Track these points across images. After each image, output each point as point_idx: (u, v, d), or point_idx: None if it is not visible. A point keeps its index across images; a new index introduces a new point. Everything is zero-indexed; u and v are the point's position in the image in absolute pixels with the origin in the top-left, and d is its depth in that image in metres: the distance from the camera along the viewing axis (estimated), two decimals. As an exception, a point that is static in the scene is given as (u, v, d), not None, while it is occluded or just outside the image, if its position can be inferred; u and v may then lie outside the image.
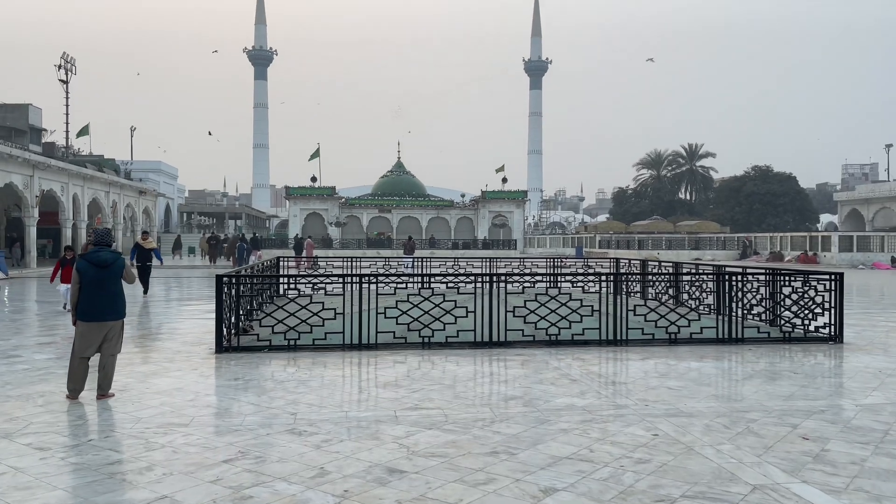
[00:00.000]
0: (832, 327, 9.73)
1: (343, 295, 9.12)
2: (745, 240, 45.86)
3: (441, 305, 9.19)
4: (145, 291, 16.83)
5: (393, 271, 16.92)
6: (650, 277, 13.58)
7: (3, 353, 8.65)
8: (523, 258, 21.20)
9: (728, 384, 6.97)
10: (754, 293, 10.45)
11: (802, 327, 9.93)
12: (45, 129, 48.30)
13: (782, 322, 9.91)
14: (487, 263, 18.84)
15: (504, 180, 60.72)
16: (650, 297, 12.48)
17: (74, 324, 6.27)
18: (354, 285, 9.22)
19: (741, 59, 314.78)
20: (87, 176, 35.68)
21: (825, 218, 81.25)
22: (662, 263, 15.49)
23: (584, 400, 6.23)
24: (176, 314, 13.51)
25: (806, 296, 10.01)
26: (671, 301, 12.18)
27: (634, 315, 9.43)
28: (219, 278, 8.76)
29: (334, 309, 8.93)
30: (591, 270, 17.85)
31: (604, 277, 10.57)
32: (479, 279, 9.70)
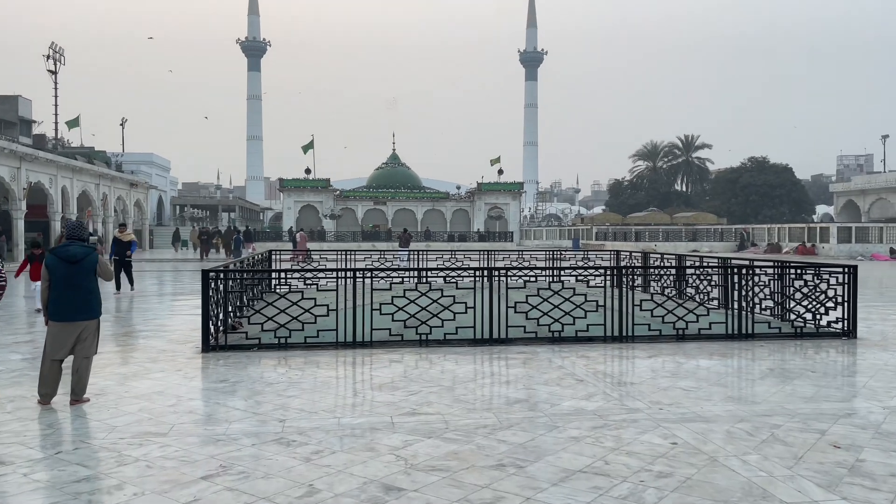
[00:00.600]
0: (845, 322, 9.36)
1: (336, 290, 8.69)
2: (742, 231, 45.59)
3: (439, 301, 8.78)
4: (131, 286, 16.05)
5: (388, 265, 16.50)
6: (657, 271, 13.17)
7: (-23, 353, 8.21)
8: (521, 251, 20.80)
9: (744, 384, 6.58)
10: (762, 287, 10.07)
11: (814, 322, 9.56)
12: (35, 121, 47.65)
13: (794, 317, 9.53)
14: (485, 256, 18.44)
15: (500, 172, 60.24)
16: (655, 291, 12.08)
17: (47, 324, 5.84)
18: (348, 280, 8.80)
19: (736, 50, 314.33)
20: (76, 168, 35.08)
21: (821, 209, 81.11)
22: (665, 256, 15.10)
23: (593, 403, 5.83)
24: (164, 310, 13.07)
25: (817, 289, 9.63)
26: (675, 295, 11.80)
27: (641, 310, 9.04)
28: (205, 273, 8.33)
29: (327, 305, 8.51)
30: (592, 263, 17.48)
31: (608, 271, 10.17)
32: (478, 273, 9.29)
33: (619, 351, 8.46)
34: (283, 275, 10.28)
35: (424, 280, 9.27)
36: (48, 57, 46.22)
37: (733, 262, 11.71)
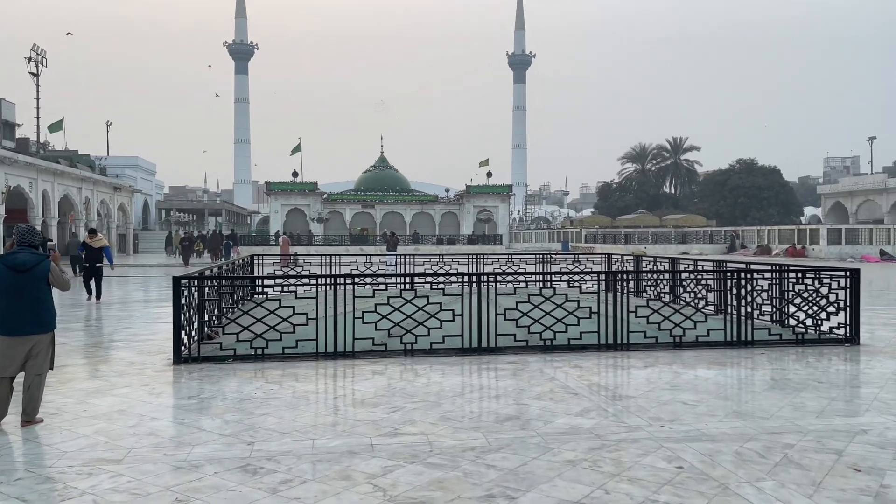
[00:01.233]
0: (848, 328, 9.01)
1: (316, 298, 8.23)
2: (732, 233, 45.46)
3: (425, 308, 8.35)
4: (97, 296, 14.73)
5: (372, 271, 16.04)
6: (653, 275, 12.78)
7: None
8: (510, 254, 20.38)
9: (748, 397, 6.18)
10: (760, 291, 9.70)
11: (815, 328, 9.20)
12: (19, 124, 46.78)
13: (796, 323, 9.16)
14: (474, 260, 18.01)
15: (489, 174, 59.90)
16: (650, 296, 11.69)
17: (-4, 338, 5.35)
18: (329, 287, 8.35)
19: (724, 52, 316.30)
20: (57, 171, 34.39)
21: (809, 211, 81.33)
22: (658, 259, 14.74)
23: (589, 420, 5.41)
24: (140, 318, 12.54)
25: (818, 293, 9.29)
26: (671, 300, 11.43)
27: (636, 317, 8.64)
28: (176, 280, 7.86)
29: (306, 314, 8.05)
30: (584, 268, 17.07)
31: (603, 276, 9.77)
32: (466, 279, 8.86)
33: (613, 360, 8.06)
34: (259, 281, 9.81)
35: (410, 286, 8.84)
36: (30, 59, 45.45)
37: (730, 265, 11.36)
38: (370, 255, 18.25)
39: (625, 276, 10.60)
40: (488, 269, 17.23)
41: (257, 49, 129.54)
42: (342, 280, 8.47)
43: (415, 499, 3.80)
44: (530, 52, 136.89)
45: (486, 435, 5.00)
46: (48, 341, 5.42)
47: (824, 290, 9.27)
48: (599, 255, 18.55)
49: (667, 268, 14.03)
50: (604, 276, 9.62)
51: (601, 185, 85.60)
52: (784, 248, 39.47)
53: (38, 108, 46.53)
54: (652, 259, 15.06)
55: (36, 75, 45.64)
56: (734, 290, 9.28)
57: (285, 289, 9.59)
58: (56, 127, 48.30)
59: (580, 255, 21.09)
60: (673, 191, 79.72)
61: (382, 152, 66.24)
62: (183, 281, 7.90)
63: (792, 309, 9.58)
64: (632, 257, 16.19)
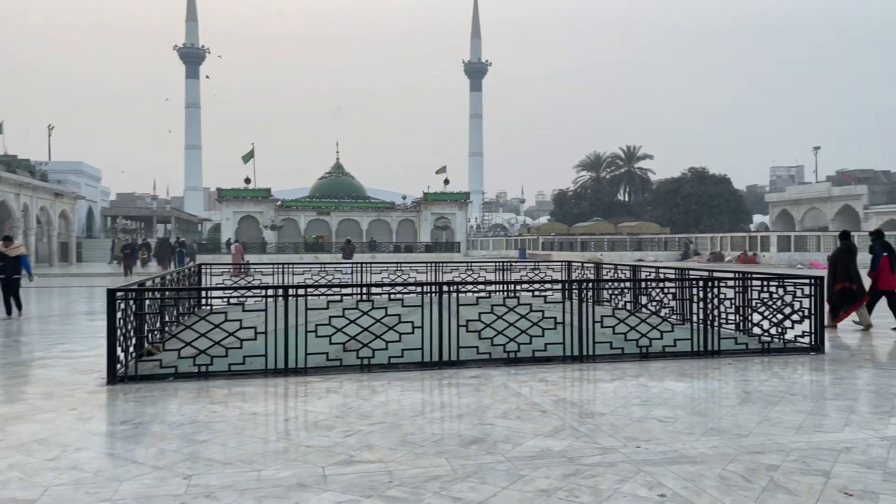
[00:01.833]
0: (812, 336, 8.89)
1: (265, 310, 7.70)
2: (687, 240, 46.11)
3: (382, 321, 7.89)
4: (19, 311, 13.28)
5: (327, 280, 15.46)
6: (621, 284, 12.53)
7: None
8: (469, 262, 20.06)
9: (723, 412, 5.91)
10: (724, 300, 9.53)
11: (780, 337, 9.07)
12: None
13: (762, 332, 9.01)
14: (433, 268, 17.59)
15: (446, 182, 59.65)
16: (616, 305, 11.45)
17: None
18: (279, 299, 7.82)
19: (675, 62, 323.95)
20: (-7, 177, 32.73)
21: (757, 218, 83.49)
22: (619, 267, 14.58)
23: (561, 441, 5.04)
24: (76, 332, 11.72)
25: (782, 301, 9.16)
26: (633, 308, 11.21)
27: (602, 327, 8.35)
28: (111, 292, 7.22)
29: (254, 328, 7.51)
30: (545, 276, 16.82)
31: (574, 285, 9.46)
32: (427, 288, 8.44)
33: (580, 372, 7.74)
34: (206, 293, 9.21)
35: (366, 297, 8.37)
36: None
37: (692, 273, 11.21)
38: (325, 263, 17.67)
39: (593, 285, 10.29)
40: (448, 277, 16.84)
41: (209, 53, 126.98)
42: (293, 291, 7.96)
43: (373, 542, 3.35)
44: (486, 61, 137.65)
45: (451, 461, 4.58)
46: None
47: (788, 298, 9.15)
48: (559, 263, 18.34)
49: (628, 275, 13.87)
50: (575, 285, 9.29)
51: (557, 192, 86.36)
52: (736, 254, 40.18)
53: (-26, 110, 44.29)
54: (612, 266, 14.89)
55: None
56: (700, 299, 9.08)
57: (233, 300, 8.97)
58: (-7, 131, 46.11)
59: (539, 263, 20.88)
60: (627, 198, 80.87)
61: (338, 159, 65.43)
62: (119, 293, 7.27)
63: (756, 317, 9.43)
64: (592, 265, 16.01)
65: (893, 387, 6.83)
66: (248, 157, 56.61)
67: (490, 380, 7.28)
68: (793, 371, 7.72)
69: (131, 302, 7.64)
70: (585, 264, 16.49)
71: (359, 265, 18.06)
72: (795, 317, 9.07)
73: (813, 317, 8.91)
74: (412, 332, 7.90)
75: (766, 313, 9.14)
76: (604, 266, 15.68)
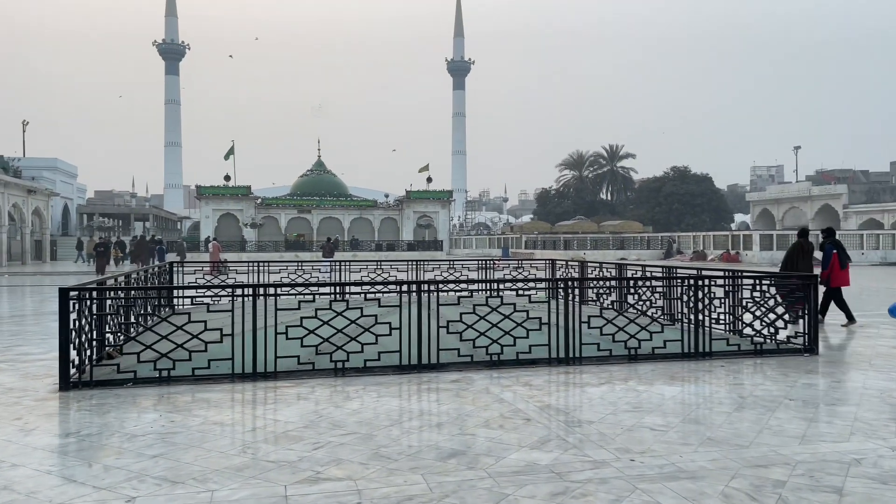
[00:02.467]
0: (806, 336, 8.58)
1: (232, 311, 7.22)
2: (670, 239, 46.05)
3: (358, 322, 7.44)
4: None
5: (304, 279, 14.95)
6: (608, 283, 12.13)
7: None
8: (452, 260, 19.66)
9: (720, 419, 5.53)
10: (713, 299, 9.19)
11: (771, 337, 8.74)
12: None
13: (754, 332, 8.67)
14: (414, 267, 17.15)
15: (429, 180, 59.22)
16: (601, 305, 11.07)
17: None
18: (248, 299, 7.35)
19: (657, 61, 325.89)
20: (-39, 172, 31.73)
21: (738, 217, 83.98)
22: (604, 265, 14.23)
23: (548, 453, 4.63)
24: (34, 333, 11.12)
25: (775, 301, 8.84)
26: (619, 308, 10.85)
27: (589, 327, 7.96)
28: (63, 291, 6.71)
29: (220, 329, 7.02)
30: (528, 274, 16.43)
31: (561, 284, 9.05)
32: (406, 287, 8.00)
33: (566, 376, 7.35)
34: (176, 292, 8.70)
35: (341, 296, 7.92)
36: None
37: (681, 272, 10.87)
38: (303, 262, 17.16)
39: (580, 284, 9.91)
40: (429, 276, 16.41)
41: (189, 49, 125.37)
42: (262, 290, 7.48)
43: (335, 580, 2.92)
44: (469, 59, 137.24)
45: (428, 478, 4.16)
46: None
47: (781, 298, 8.83)
48: (543, 262, 17.97)
49: (614, 274, 13.52)
50: (561, 283, 8.89)
51: (540, 191, 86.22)
52: (719, 253, 40.13)
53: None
54: (598, 265, 14.54)
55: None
56: (690, 298, 8.73)
57: (198, 301, 8.48)
58: (-35, 125, 45.10)
59: (523, 261, 20.50)
60: (610, 197, 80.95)
61: (320, 156, 64.71)
62: (72, 292, 6.75)
63: (748, 317, 9.11)
64: (577, 263, 15.65)
65: (893, 390, 6.51)
66: (229, 153, 55.82)
67: (471, 384, 6.87)
68: (788, 374, 7.38)
69: (89, 302, 7.11)
70: (570, 263, 16.13)
71: (338, 263, 17.57)
72: (788, 316, 8.74)
73: (807, 316, 8.60)
74: (389, 334, 7.46)
75: (758, 313, 8.80)
76: (588, 264, 15.32)
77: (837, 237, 11.77)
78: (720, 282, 9.44)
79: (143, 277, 11.09)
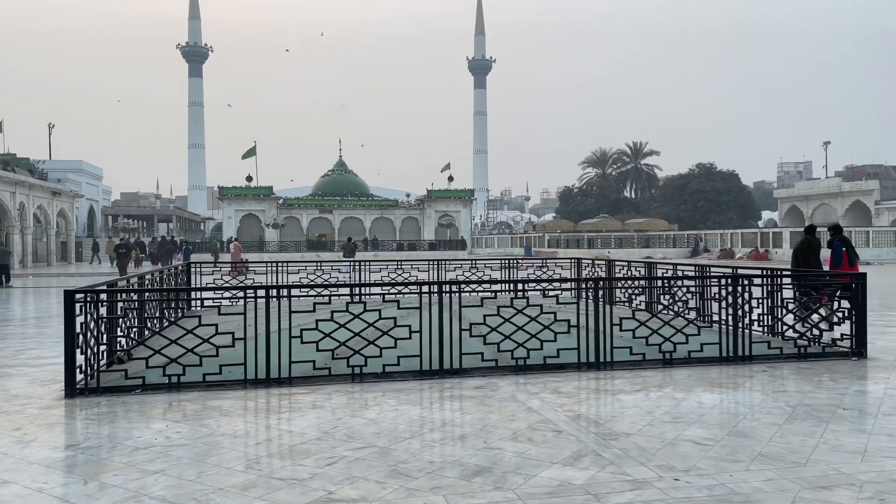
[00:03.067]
0: (853, 339, 8.04)
1: (245, 314, 6.88)
2: (696, 237, 45.19)
3: (376, 324, 7.07)
4: None
5: (323, 280, 14.63)
6: (639, 283, 11.58)
7: None
8: (474, 260, 19.25)
9: (769, 432, 5.06)
10: (750, 299, 8.67)
11: (816, 340, 8.21)
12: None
13: (797, 334, 8.14)
14: (435, 266, 16.77)
15: (450, 179, 58.84)
16: (632, 306, 10.58)
17: None
18: (261, 300, 7.01)
19: (681, 57, 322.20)
20: (-14, 175, 32.04)
21: (766, 215, 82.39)
22: (633, 264, 13.72)
23: (582, 471, 4.21)
24: (50, 336, 10.91)
25: (819, 302, 8.30)
26: (650, 310, 10.35)
27: (620, 330, 7.51)
28: (68, 294, 6.42)
29: (232, 333, 6.69)
30: (553, 274, 15.95)
31: (591, 284, 8.60)
32: (427, 288, 7.60)
33: (596, 382, 6.91)
34: (195, 294, 8.40)
35: (359, 298, 7.55)
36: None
37: (714, 270, 10.36)
38: (323, 262, 16.87)
39: (610, 284, 9.44)
40: (451, 276, 16.02)
41: (211, 52, 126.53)
42: (276, 292, 7.14)
43: None
44: (490, 57, 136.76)
45: (450, 499, 3.76)
46: None
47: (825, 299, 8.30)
48: (567, 260, 17.49)
49: (643, 273, 13.01)
50: (591, 284, 8.44)
51: (563, 189, 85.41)
52: (747, 251, 39.23)
53: (-30, 108, 43.64)
54: (625, 264, 14.03)
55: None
56: (728, 299, 8.23)
57: (215, 302, 8.17)
58: (-7, 129, 45.55)
59: (546, 260, 20.02)
60: (634, 195, 79.92)
61: (341, 156, 64.68)
62: (78, 295, 6.47)
63: (788, 319, 8.58)
64: (604, 262, 15.15)
65: (958, 399, 5.98)
66: (250, 153, 55.92)
67: (496, 391, 6.46)
68: (838, 380, 6.86)
69: (97, 304, 6.82)
70: (597, 261, 15.63)
71: (358, 263, 17.25)
72: (834, 318, 8.21)
73: (854, 318, 8.05)
74: (409, 338, 7.08)
75: (802, 315, 8.27)
76: (617, 263, 14.82)
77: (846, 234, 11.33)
78: (758, 281, 8.92)
79: (158, 278, 10.84)
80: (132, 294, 8.03)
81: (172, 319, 8.10)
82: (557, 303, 7.75)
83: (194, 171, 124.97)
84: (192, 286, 13.22)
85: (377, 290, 8.49)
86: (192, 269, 14.47)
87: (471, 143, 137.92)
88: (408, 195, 64.55)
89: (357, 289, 7.93)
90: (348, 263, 18.86)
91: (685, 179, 69.38)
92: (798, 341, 8.04)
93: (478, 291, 8.54)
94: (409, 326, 7.11)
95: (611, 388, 6.62)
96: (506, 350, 7.29)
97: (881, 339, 9.52)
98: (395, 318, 7.16)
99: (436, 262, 16.92)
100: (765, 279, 9.05)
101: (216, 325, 6.68)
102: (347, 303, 7.23)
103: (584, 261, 16.10)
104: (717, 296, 8.55)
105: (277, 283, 15.33)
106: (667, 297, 9.60)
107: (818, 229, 14.97)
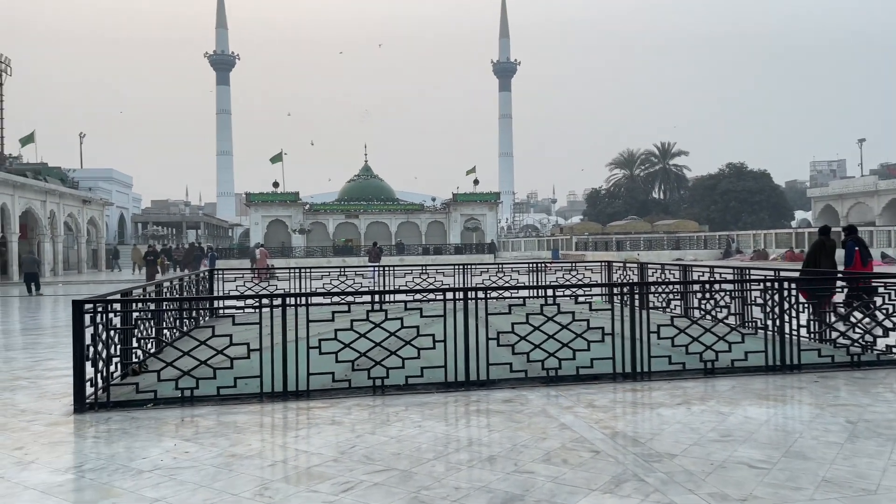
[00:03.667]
0: (912, 346, 7.46)
1: (260, 323, 6.56)
2: (728, 238, 44.18)
3: (398, 334, 6.70)
4: None
5: (347, 285, 14.33)
6: (679, 287, 10.98)
7: None
8: (500, 264, 18.80)
9: (831, 453, 4.57)
10: (798, 303, 8.12)
11: (869, 347, 7.65)
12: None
13: (850, 341, 7.59)
14: (461, 271, 16.37)
15: (476, 182, 58.39)
16: (676, 313, 10.05)
17: None
18: (277, 309, 6.68)
19: (709, 57, 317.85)
20: (17, 184, 32.45)
21: (799, 214, 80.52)
22: (666, 267, 13.18)
23: (624, 499, 3.78)
24: (69, 346, 10.74)
25: (872, 306, 7.75)
26: (689, 315, 9.84)
27: (659, 338, 7.04)
28: (77, 305, 6.16)
29: (247, 344, 6.38)
30: (585, 279, 15.43)
31: (623, 289, 8.12)
32: (452, 295, 7.20)
33: (633, 394, 6.46)
34: (218, 303, 8.13)
35: (379, 306, 7.20)
36: (-6, 68, 43.42)
37: (755, 274, 9.81)
38: (347, 267, 16.57)
39: (646, 289, 8.96)
40: (476, 281, 15.61)
41: (239, 59, 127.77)
42: (293, 300, 6.81)
43: None
44: (515, 60, 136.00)
45: (478, 534, 3.36)
46: None
47: (879, 302, 7.74)
48: (595, 263, 16.96)
49: (677, 276, 12.47)
50: (627, 289, 7.97)
51: (590, 191, 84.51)
52: (782, 252, 38.18)
53: (1, 118, 44.44)
54: (659, 266, 13.50)
55: (0, 85, 43.63)
56: (769, 303, 7.71)
57: (237, 309, 7.89)
58: (27, 140, 46.36)
59: (575, 264, 19.51)
60: (662, 196, 78.73)
61: (367, 161, 64.61)
62: (87, 305, 6.20)
63: (846, 325, 8.02)
64: (635, 265, 14.62)
65: None
66: (277, 158, 56.14)
67: (526, 404, 6.05)
68: (898, 391, 6.32)
69: (109, 314, 6.55)
70: (628, 264, 15.10)
71: (382, 268, 16.94)
72: (888, 323, 7.64)
73: (913, 323, 7.47)
74: (433, 347, 6.70)
75: (856, 320, 7.72)
76: (647, 266, 14.28)
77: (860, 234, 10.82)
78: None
79: (177, 286, 10.61)
80: (158, 303, 7.76)
81: (183, 331, 7.80)
82: (590, 310, 7.32)
83: (223, 178, 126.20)
84: (214, 294, 13.00)
85: (399, 297, 8.13)
86: (216, 276, 14.26)
87: (496, 146, 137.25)
88: (433, 199, 64.25)
89: (379, 296, 7.56)
90: (373, 269, 18.57)
91: (715, 179, 68.10)
92: (851, 348, 7.49)
93: (505, 298, 8.13)
94: (433, 335, 6.73)
95: (649, 402, 6.16)
96: (535, 360, 6.87)
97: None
98: (417, 327, 6.78)
99: (461, 267, 16.52)
100: (813, 282, 8.52)
101: (230, 335, 6.36)
102: (368, 311, 6.88)
103: (614, 264, 15.58)
104: (757, 300, 8.03)
105: (300, 289, 15.08)
106: (708, 302, 9.05)
107: (833, 230, 14.39)
